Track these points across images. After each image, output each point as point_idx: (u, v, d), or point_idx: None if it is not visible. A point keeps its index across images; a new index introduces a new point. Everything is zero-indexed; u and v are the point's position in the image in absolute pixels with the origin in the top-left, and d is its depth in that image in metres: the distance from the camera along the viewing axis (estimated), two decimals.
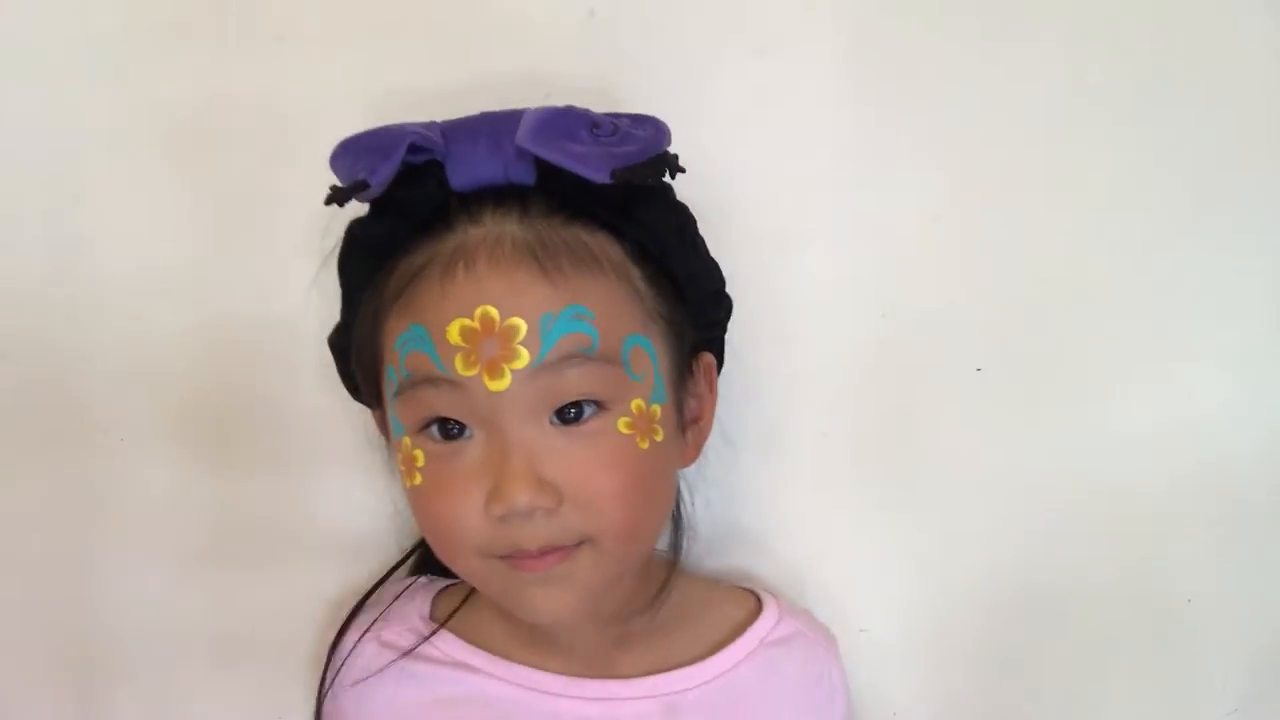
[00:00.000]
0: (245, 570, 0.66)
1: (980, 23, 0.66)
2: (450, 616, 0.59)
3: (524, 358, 0.48)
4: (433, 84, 0.63)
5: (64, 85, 0.64)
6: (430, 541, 0.54)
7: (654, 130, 0.52)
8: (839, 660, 0.64)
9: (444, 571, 0.60)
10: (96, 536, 0.67)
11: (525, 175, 0.50)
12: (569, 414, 0.49)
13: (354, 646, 0.59)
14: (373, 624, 0.60)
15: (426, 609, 0.61)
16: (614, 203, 0.51)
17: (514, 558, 0.50)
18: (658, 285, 0.53)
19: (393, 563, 0.64)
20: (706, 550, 0.69)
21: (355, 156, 0.50)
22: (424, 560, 0.63)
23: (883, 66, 0.66)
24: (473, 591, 0.59)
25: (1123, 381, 0.68)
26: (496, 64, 0.64)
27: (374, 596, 0.62)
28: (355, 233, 0.53)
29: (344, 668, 0.59)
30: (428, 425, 0.50)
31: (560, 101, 0.64)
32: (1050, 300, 0.67)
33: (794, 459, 0.68)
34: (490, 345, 0.47)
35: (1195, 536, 0.69)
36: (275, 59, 0.65)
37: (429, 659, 0.58)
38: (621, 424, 0.50)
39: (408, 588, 0.62)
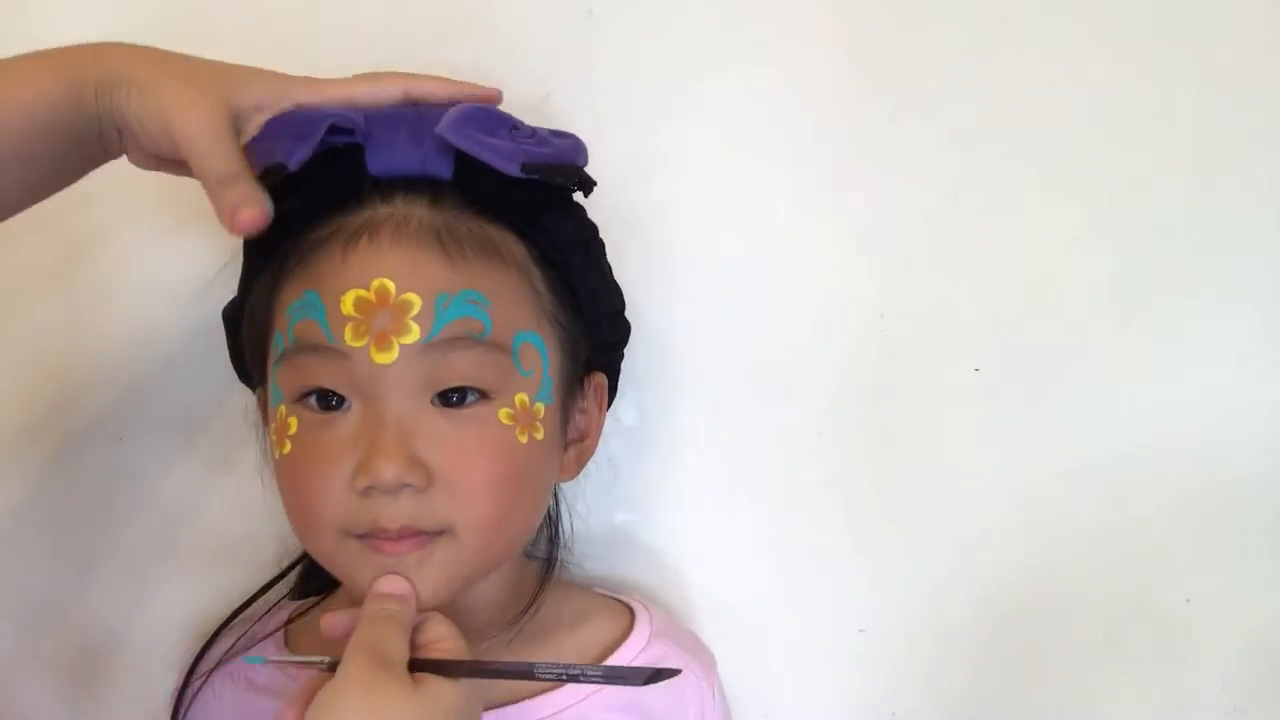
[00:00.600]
0: (246, 570, 0.66)
1: (979, 23, 0.66)
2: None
3: (414, 333, 0.48)
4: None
5: None
6: (290, 516, 0.52)
7: (573, 143, 0.54)
8: (716, 687, 0.62)
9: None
10: (96, 536, 0.67)
11: (442, 169, 0.51)
12: (451, 397, 0.49)
13: (201, 685, 0.59)
14: (222, 659, 0.59)
15: (282, 636, 0.60)
16: (524, 207, 0.52)
17: (371, 537, 0.49)
18: (557, 293, 0.54)
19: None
20: (702, 549, 0.69)
21: (274, 140, 0.49)
22: (305, 580, 0.63)
23: (881, 67, 0.66)
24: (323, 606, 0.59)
25: (1121, 382, 0.68)
26: (495, 64, 0.64)
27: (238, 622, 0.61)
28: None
29: (200, 706, 0.58)
30: (307, 395, 0.50)
31: (560, 101, 0.65)
32: (1049, 301, 0.67)
33: (791, 458, 0.68)
34: (382, 317, 0.47)
35: (1194, 537, 0.69)
36: (274, 60, 0.65)
37: (281, 694, 0.56)
38: (503, 414, 0.50)
39: (267, 612, 0.61)
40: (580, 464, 0.58)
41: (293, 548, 0.64)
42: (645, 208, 0.66)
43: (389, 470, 0.47)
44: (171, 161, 0.49)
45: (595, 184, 0.54)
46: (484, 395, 0.50)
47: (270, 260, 0.52)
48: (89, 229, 0.65)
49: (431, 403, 0.49)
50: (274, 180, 0.48)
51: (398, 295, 0.48)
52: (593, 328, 0.56)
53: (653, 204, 0.65)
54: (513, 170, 0.49)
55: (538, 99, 0.64)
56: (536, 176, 0.50)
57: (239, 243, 0.64)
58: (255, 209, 0.47)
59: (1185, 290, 0.67)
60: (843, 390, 0.68)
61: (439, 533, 0.49)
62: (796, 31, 0.66)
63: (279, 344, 0.51)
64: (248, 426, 0.63)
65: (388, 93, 0.52)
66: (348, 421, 0.49)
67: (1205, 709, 0.71)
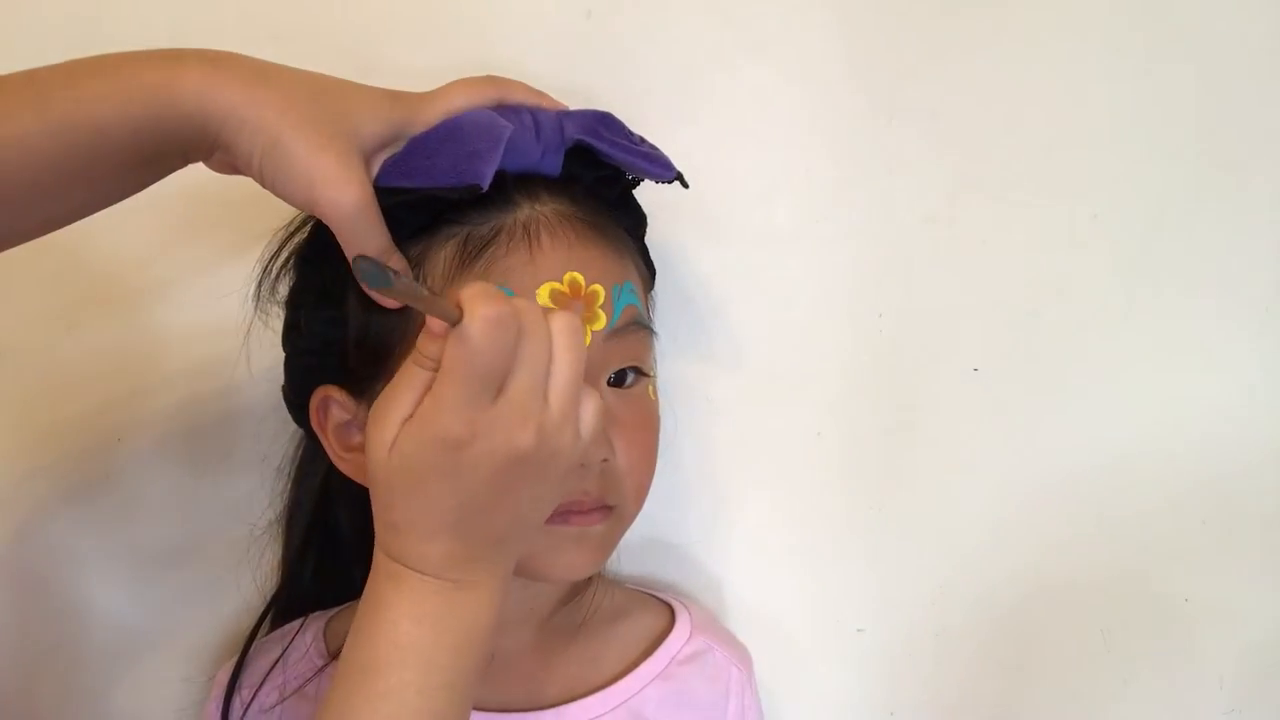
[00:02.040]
0: (246, 571, 0.66)
1: (979, 23, 0.66)
2: None
3: (602, 320, 0.51)
4: (430, 84, 0.63)
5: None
6: None
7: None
8: (753, 682, 0.64)
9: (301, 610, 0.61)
10: (96, 536, 0.67)
11: (555, 167, 0.53)
12: (621, 377, 0.53)
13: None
14: (261, 685, 0.58)
15: (323, 645, 0.59)
16: (623, 206, 0.56)
17: (565, 513, 0.51)
18: (649, 280, 0.58)
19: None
20: (701, 548, 0.69)
21: (453, 161, 0.49)
22: (288, 608, 0.62)
23: (879, 66, 0.66)
24: None
25: (1119, 382, 0.68)
26: (494, 65, 0.64)
27: (251, 656, 0.60)
28: (388, 206, 0.50)
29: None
30: None
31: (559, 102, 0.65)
32: (1047, 301, 0.67)
33: (790, 458, 0.68)
34: (576, 308, 0.50)
35: (1193, 536, 0.69)
36: (272, 60, 0.65)
37: None
38: (650, 390, 0.56)
39: (290, 635, 0.60)
40: None
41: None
42: (644, 208, 0.66)
43: (596, 446, 0.50)
44: None
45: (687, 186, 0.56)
46: (640, 374, 0.54)
47: (410, 259, 0.51)
48: (89, 229, 0.65)
49: (607, 384, 0.53)
50: (466, 199, 0.49)
51: (587, 286, 0.51)
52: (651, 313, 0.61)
53: (652, 204, 0.65)
54: (669, 177, 0.54)
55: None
56: (677, 181, 0.54)
57: (238, 243, 0.64)
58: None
59: (1185, 290, 0.68)
60: (842, 390, 0.68)
61: (612, 507, 0.53)
62: (796, 31, 0.66)
63: None
64: (247, 426, 0.63)
65: (483, 98, 0.53)
66: None
67: (1204, 708, 0.71)
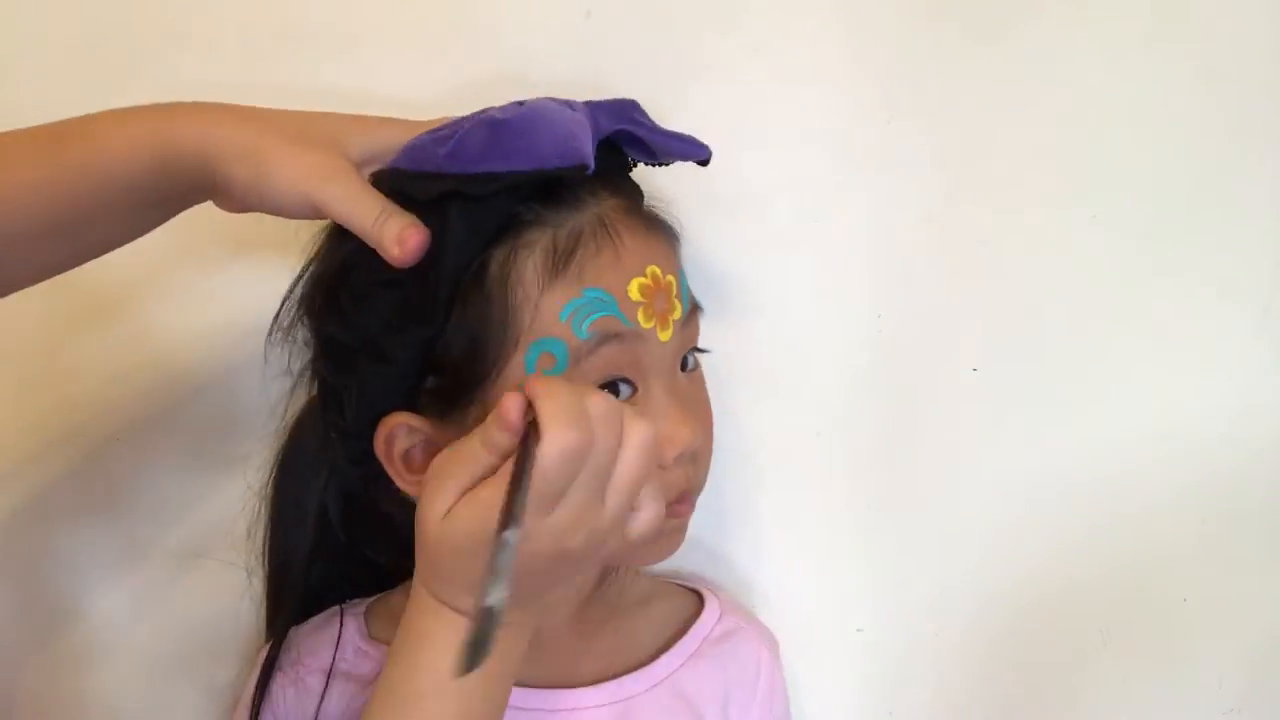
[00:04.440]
0: (246, 571, 0.66)
1: (979, 23, 0.66)
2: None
3: (678, 310, 0.53)
4: (429, 85, 0.63)
5: (63, 86, 0.64)
6: None
7: None
8: (779, 662, 0.65)
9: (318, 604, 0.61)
10: (96, 536, 0.68)
11: (590, 157, 0.51)
12: (687, 362, 0.55)
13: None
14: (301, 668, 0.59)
15: (365, 628, 0.60)
16: (640, 191, 0.57)
17: (675, 504, 0.53)
18: None
19: None
20: (700, 549, 0.69)
21: (552, 139, 0.49)
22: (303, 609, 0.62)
23: (878, 67, 0.66)
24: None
25: (1118, 381, 0.68)
26: (494, 65, 0.64)
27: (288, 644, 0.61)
28: (457, 215, 0.49)
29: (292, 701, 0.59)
30: (601, 389, 0.50)
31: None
32: (1046, 301, 0.67)
33: (789, 459, 0.68)
34: (660, 300, 0.51)
35: (1191, 536, 0.69)
36: (272, 61, 0.65)
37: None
38: (701, 369, 0.57)
39: (332, 622, 0.61)
40: None
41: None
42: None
43: (696, 436, 0.51)
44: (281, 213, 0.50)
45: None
46: (698, 352, 0.56)
47: (492, 270, 0.50)
48: None
49: (679, 371, 0.54)
50: (576, 179, 0.50)
51: (664, 277, 0.52)
52: None
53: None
54: (705, 154, 0.55)
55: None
56: (707, 162, 0.55)
57: (237, 243, 0.64)
58: (418, 233, 0.47)
59: (1184, 290, 0.67)
60: (840, 391, 0.68)
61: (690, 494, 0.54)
62: (795, 32, 0.66)
63: (556, 349, 0.49)
64: (247, 426, 0.63)
65: None
66: (637, 404, 0.51)
67: (1203, 708, 0.71)
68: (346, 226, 0.48)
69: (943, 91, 0.66)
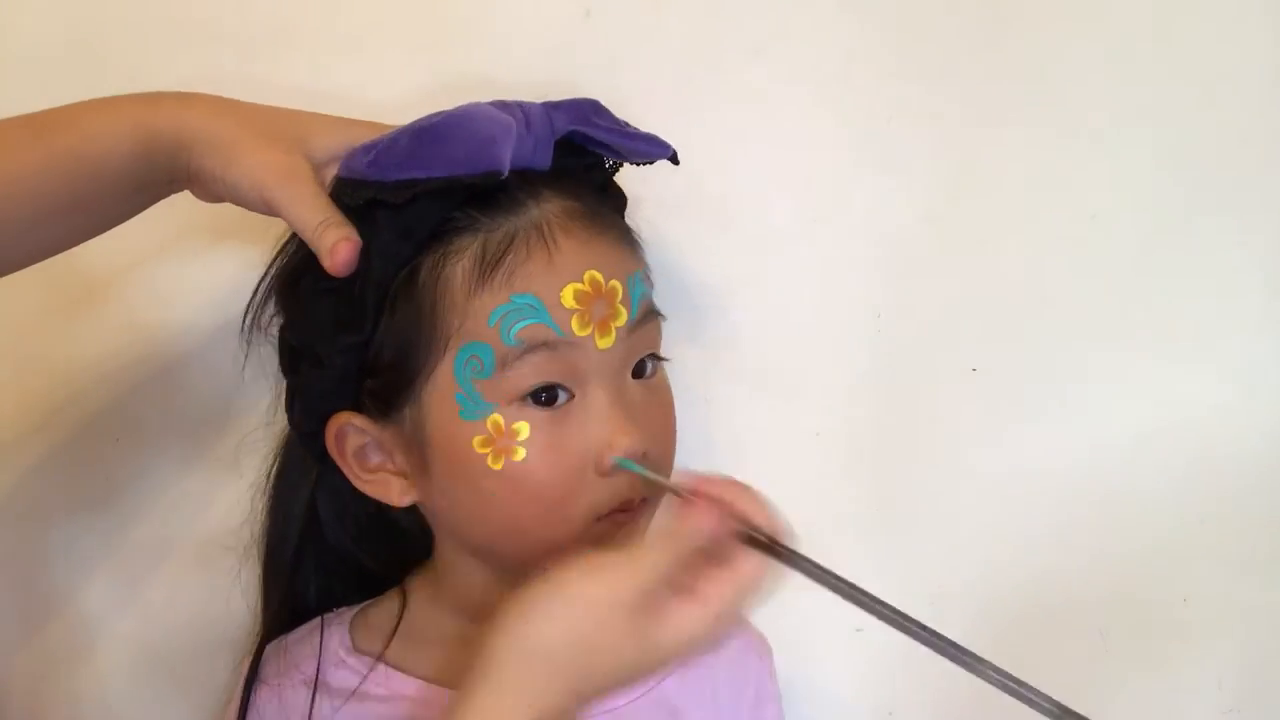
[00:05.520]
0: (246, 571, 0.66)
1: (978, 22, 0.66)
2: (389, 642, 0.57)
3: (624, 316, 0.51)
4: (428, 85, 0.63)
5: (62, 86, 0.64)
6: (521, 518, 0.52)
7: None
8: (772, 669, 0.64)
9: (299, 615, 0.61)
10: (94, 536, 0.67)
11: (545, 160, 0.52)
12: (643, 368, 0.53)
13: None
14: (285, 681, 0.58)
15: (349, 641, 0.59)
16: (611, 193, 0.56)
17: (618, 512, 0.51)
18: (643, 258, 0.57)
19: None
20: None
21: (466, 146, 0.50)
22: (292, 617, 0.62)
23: (877, 67, 0.66)
24: (400, 616, 0.59)
25: (1118, 381, 0.68)
26: (493, 65, 0.64)
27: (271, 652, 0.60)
28: (389, 220, 0.50)
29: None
30: (530, 396, 0.50)
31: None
32: (1045, 300, 0.67)
33: (788, 458, 0.68)
34: (600, 306, 0.50)
35: (1192, 536, 0.69)
36: (271, 60, 0.65)
37: (369, 697, 0.56)
38: (664, 375, 0.55)
39: (314, 633, 0.60)
40: None
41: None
42: (644, 207, 0.66)
43: (637, 442, 0.50)
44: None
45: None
46: (657, 359, 0.54)
47: (423, 273, 0.50)
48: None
49: (631, 377, 0.53)
50: (491, 184, 0.49)
51: (606, 283, 0.50)
52: None
53: (651, 204, 0.65)
54: (664, 153, 0.54)
55: (536, 100, 0.64)
56: (674, 159, 0.55)
57: (237, 243, 0.64)
58: (349, 245, 0.49)
59: (1183, 290, 0.68)
60: (840, 390, 0.68)
61: (648, 499, 0.53)
62: (795, 31, 0.66)
63: (483, 353, 0.50)
64: (248, 427, 0.63)
65: None
66: (574, 411, 0.51)
67: (1202, 708, 0.71)
68: (292, 228, 0.50)
69: (943, 91, 0.66)
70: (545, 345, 0.49)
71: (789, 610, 0.70)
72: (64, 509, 0.67)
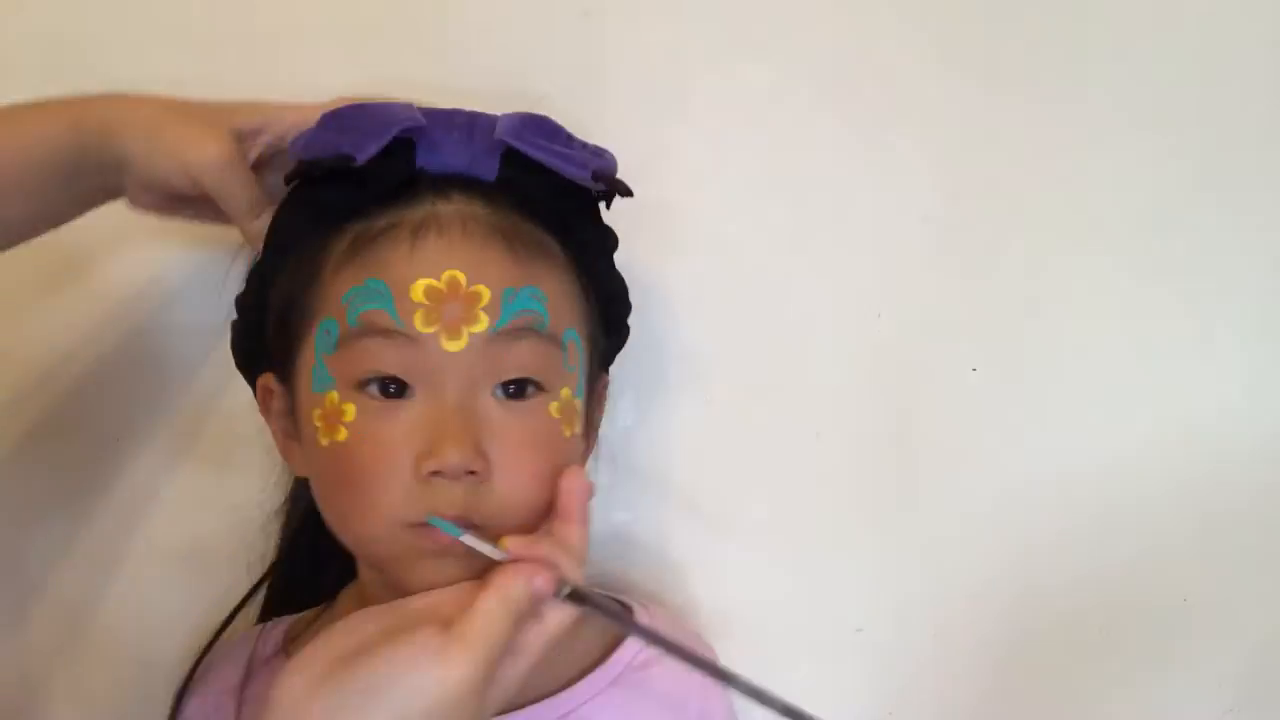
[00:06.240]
0: (243, 571, 0.66)
1: (978, 22, 0.66)
2: None
3: (483, 322, 0.49)
4: (427, 84, 0.63)
5: (59, 85, 0.64)
6: (335, 504, 0.52)
7: (612, 156, 0.56)
8: (716, 687, 0.59)
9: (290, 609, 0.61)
10: (93, 536, 0.67)
11: (489, 170, 0.53)
12: (512, 389, 0.51)
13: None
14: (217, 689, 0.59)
15: (282, 648, 0.59)
16: (564, 212, 0.54)
17: (426, 526, 0.49)
18: (587, 295, 0.56)
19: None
20: (700, 549, 0.69)
21: (338, 133, 0.52)
22: (280, 598, 0.63)
23: (877, 67, 0.66)
24: (313, 623, 0.59)
25: (1118, 381, 0.68)
26: (492, 65, 0.64)
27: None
28: (304, 194, 0.54)
29: None
30: (368, 382, 0.50)
31: (557, 102, 0.64)
32: (1045, 301, 0.67)
33: (789, 459, 0.68)
34: (453, 308, 0.49)
35: (1192, 536, 0.69)
36: (269, 58, 0.65)
37: None
38: (553, 408, 0.52)
39: (252, 640, 0.61)
40: (586, 459, 0.59)
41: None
42: (643, 208, 0.65)
43: (457, 455, 0.48)
44: (172, 201, 0.54)
45: (631, 194, 0.56)
46: (540, 387, 0.51)
47: (314, 247, 0.53)
48: (87, 230, 0.65)
49: (494, 394, 0.50)
50: (339, 169, 0.51)
51: (468, 287, 0.49)
52: (609, 329, 0.59)
53: (651, 204, 0.65)
54: (584, 177, 0.52)
55: (535, 100, 0.64)
56: (603, 186, 0.53)
57: (237, 242, 0.64)
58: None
59: (1183, 290, 0.67)
60: (840, 390, 0.68)
61: (480, 527, 0.49)
62: (794, 31, 0.66)
63: (332, 329, 0.51)
64: (244, 427, 0.63)
65: None
66: (411, 409, 0.49)
67: (1202, 708, 0.71)
68: (218, 202, 0.52)
69: (943, 92, 0.66)
70: (382, 333, 0.50)
71: (790, 610, 0.70)
72: (65, 509, 0.67)
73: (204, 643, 0.61)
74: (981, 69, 0.66)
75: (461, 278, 0.49)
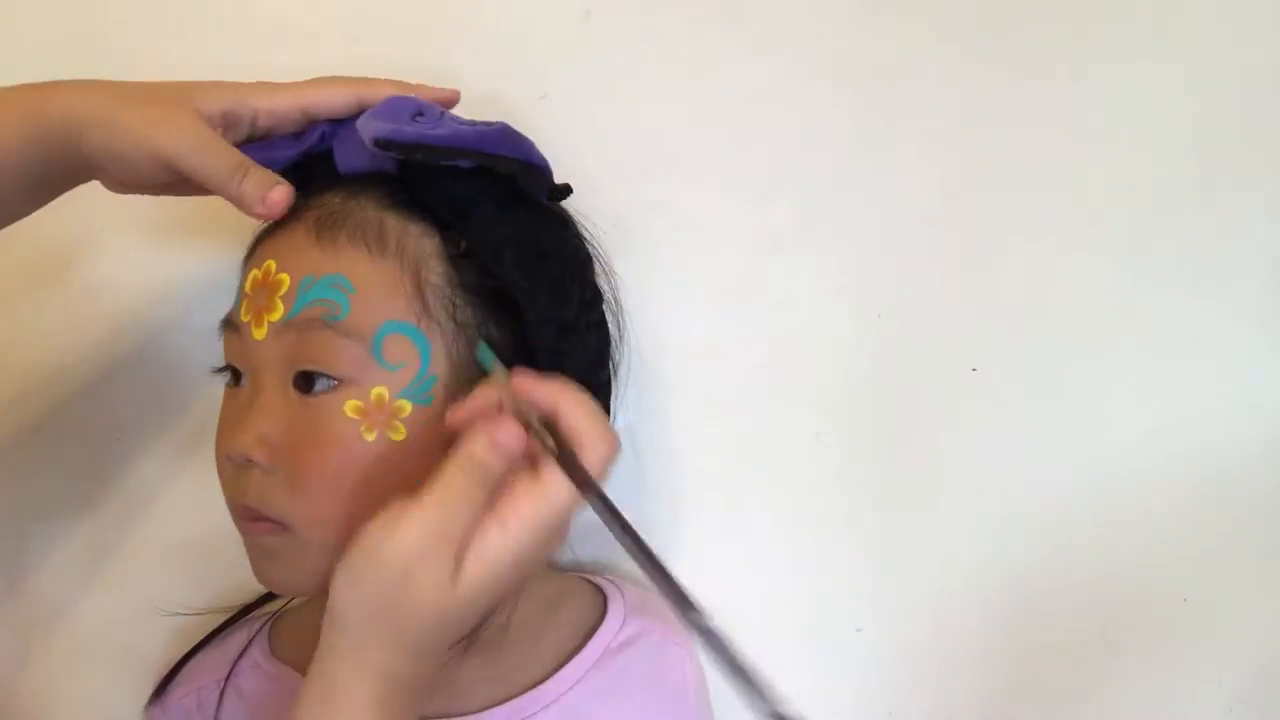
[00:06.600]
0: (243, 570, 0.66)
1: (977, 22, 0.66)
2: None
3: (279, 311, 0.49)
4: (426, 83, 0.63)
5: (60, 76, 0.64)
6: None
7: (494, 131, 0.51)
8: (693, 656, 0.61)
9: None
10: (94, 536, 0.67)
11: (354, 164, 0.53)
12: (309, 383, 0.49)
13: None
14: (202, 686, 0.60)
15: (266, 647, 0.59)
16: (453, 202, 0.51)
17: (239, 515, 0.50)
18: (470, 290, 0.50)
19: None
20: (700, 548, 0.69)
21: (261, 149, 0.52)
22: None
23: (878, 66, 0.66)
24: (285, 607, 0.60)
25: (1118, 381, 0.68)
26: (492, 65, 0.64)
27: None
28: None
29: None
30: (223, 371, 0.53)
31: (557, 102, 0.65)
32: (1045, 300, 0.67)
33: (789, 459, 0.68)
34: (261, 296, 0.50)
35: (1191, 536, 0.69)
36: (268, 58, 0.65)
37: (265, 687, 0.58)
38: (349, 406, 0.48)
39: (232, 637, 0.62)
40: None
41: None
42: (643, 208, 0.66)
43: (235, 444, 0.49)
44: (151, 185, 0.51)
45: (518, 171, 0.51)
46: (340, 385, 0.48)
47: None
48: (86, 230, 0.65)
49: (294, 385, 0.49)
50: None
51: (275, 274, 0.50)
52: (532, 332, 0.51)
53: (651, 204, 0.66)
54: (367, 144, 0.50)
55: (535, 100, 0.64)
56: (393, 154, 0.49)
57: (237, 241, 0.64)
58: (282, 188, 0.50)
59: (1184, 290, 0.67)
60: (840, 391, 0.68)
61: (283, 525, 0.49)
62: (794, 31, 0.66)
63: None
64: None
65: (339, 97, 0.53)
66: (240, 397, 0.51)
67: (1202, 708, 0.71)
68: (199, 180, 0.49)
69: (942, 91, 0.66)
70: (229, 324, 0.52)
71: (790, 610, 0.70)
72: (65, 509, 0.67)
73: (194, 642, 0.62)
74: (982, 69, 0.66)
75: (273, 266, 0.50)
